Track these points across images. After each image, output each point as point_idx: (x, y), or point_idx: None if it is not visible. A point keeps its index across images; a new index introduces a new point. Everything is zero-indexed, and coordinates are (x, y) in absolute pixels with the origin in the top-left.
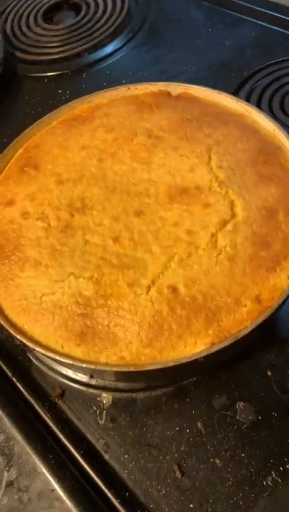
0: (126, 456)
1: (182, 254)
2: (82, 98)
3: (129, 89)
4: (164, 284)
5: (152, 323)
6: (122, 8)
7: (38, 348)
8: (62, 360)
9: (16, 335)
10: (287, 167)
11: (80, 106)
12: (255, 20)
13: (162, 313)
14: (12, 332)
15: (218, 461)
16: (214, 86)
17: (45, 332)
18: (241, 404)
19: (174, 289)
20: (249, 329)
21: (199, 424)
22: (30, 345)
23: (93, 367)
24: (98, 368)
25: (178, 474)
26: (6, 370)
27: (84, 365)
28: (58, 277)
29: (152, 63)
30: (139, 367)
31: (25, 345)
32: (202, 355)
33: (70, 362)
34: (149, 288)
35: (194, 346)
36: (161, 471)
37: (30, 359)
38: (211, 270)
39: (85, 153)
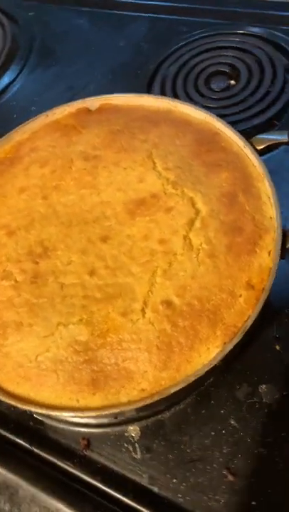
0: (174, 480)
1: (163, 266)
2: (1, 140)
3: (47, 116)
4: (156, 301)
5: (160, 345)
6: (4, 36)
7: (53, 413)
8: (82, 415)
9: (23, 407)
10: (230, 149)
11: (1, 148)
12: (141, 14)
13: (166, 332)
14: (20, 406)
15: (262, 449)
16: (125, 88)
17: (54, 393)
18: (263, 386)
19: (168, 304)
20: (254, 317)
21: (232, 421)
22: (43, 412)
23: (117, 410)
24: (122, 409)
25: (230, 477)
26: (23, 443)
27: (107, 412)
28: (47, 332)
29: (55, 82)
30: (163, 393)
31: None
32: (219, 359)
33: (93, 414)
34: (143, 311)
35: (208, 353)
36: (213, 481)
37: (41, 421)
38: (196, 272)
39: (27, 195)
